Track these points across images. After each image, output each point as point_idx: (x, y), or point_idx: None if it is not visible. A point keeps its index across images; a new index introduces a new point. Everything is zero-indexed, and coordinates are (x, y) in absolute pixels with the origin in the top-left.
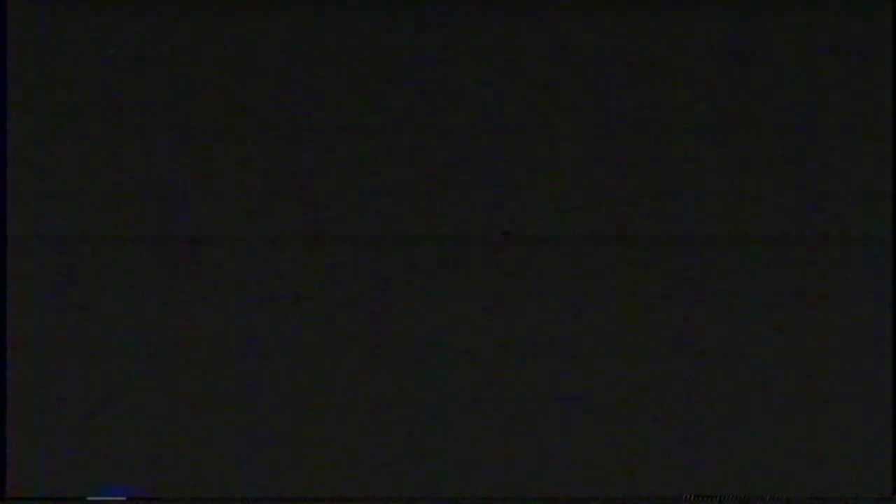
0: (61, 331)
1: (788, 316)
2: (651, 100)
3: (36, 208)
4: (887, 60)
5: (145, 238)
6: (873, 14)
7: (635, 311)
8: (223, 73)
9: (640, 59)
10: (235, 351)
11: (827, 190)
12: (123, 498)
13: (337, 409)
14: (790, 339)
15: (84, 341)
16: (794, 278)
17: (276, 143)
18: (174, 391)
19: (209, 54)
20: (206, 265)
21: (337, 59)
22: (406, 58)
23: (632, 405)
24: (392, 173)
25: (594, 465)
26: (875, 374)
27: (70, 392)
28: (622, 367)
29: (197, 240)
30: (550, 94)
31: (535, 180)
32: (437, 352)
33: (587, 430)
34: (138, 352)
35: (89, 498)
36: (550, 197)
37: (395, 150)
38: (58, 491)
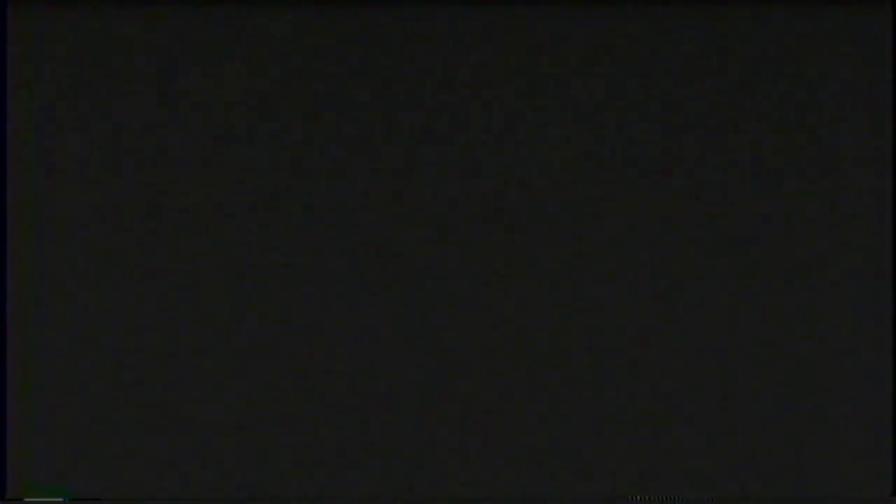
0: (62, 329)
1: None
2: None
3: (36, 203)
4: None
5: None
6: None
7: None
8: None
9: None
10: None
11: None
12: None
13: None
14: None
15: (86, 339)
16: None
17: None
18: (175, 392)
19: (210, 54)
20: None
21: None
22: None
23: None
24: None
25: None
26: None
27: (70, 391)
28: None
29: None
30: None
31: None
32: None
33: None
34: (141, 350)
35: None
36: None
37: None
38: (58, 491)
